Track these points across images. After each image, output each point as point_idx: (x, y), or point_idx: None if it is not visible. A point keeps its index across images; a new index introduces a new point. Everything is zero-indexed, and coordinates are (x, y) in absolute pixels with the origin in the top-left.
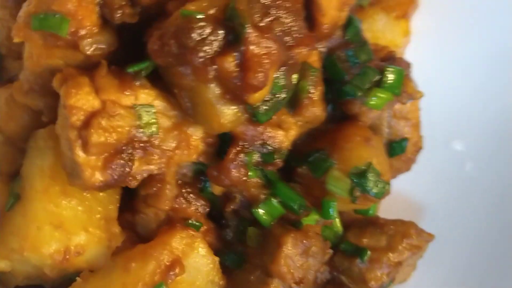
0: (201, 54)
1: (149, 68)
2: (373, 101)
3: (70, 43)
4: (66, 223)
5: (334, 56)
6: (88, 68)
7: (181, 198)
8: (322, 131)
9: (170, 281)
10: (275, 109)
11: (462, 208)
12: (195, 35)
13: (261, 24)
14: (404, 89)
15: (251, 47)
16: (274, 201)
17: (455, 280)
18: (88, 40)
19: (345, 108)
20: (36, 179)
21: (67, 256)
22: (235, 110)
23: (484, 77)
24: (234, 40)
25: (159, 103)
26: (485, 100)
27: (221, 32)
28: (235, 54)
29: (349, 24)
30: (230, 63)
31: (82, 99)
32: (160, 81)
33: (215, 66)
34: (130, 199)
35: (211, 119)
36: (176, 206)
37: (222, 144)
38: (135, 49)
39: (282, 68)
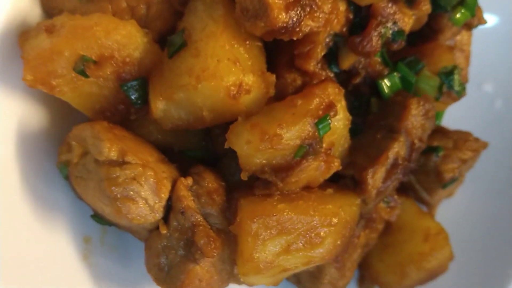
0: None
1: None
2: (457, 16)
3: None
4: (241, 62)
5: None
6: None
7: (320, 65)
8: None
9: (332, 116)
10: None
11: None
12: None
13: None
14: (476, 13)
15: None
16: (396, 75)
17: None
18: None
19: (434, 22)
20: (210, 25)
21: (239, 92)
22: None
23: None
24: None
25: None
26: None
27: None
28: None
29: None
30: None
31: None
32: None
33: None
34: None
35: None
36: (316, 70)
37: (354, 28)
38: None
39: None
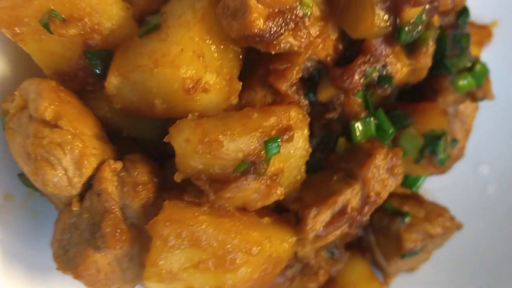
0: None
1: None
2: (461, 82)
3: None
4: (206, 57)
5: (446, 32)
6: None
7: (295, 88)
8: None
9: (284, 140)
10: (410, 37)
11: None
12: None
13: None
14: (483, 85)
15: None
16: (372, 122)
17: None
18: None
19: (434, 82)
20: (187, 14)
21: (195, 88)
22: (387, 19)
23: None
24: None
25: None
26: None
27: None
28: None
29: (463, 12)
30: None
31: None
32: None
33: None
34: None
35: (362, 18)
36: (289, 92)
37: (343, 59)
38: None
39: (428, 5)
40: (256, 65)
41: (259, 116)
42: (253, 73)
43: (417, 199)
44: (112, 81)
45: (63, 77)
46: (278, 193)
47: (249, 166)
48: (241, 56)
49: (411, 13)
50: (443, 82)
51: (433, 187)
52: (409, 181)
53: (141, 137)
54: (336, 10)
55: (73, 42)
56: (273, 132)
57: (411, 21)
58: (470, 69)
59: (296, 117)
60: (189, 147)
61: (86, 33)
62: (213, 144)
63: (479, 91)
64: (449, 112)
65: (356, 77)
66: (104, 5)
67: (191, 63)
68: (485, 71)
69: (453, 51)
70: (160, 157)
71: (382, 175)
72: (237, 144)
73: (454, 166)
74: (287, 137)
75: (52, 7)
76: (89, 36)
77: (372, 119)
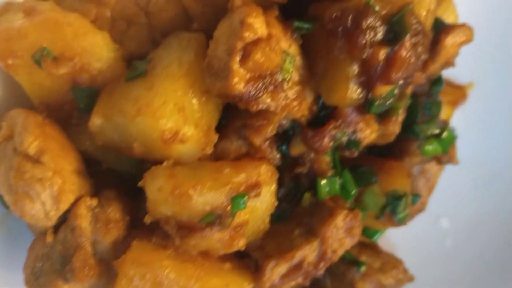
0: (366, 37)
1: (309, 29)
2: (428, 148)
3: None
4: (186, 111)
5: (418, 99)
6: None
7: (268, 142)
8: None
9: (251, 196)
10: (381, 109)
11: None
12: (368, 21)
13: (412, 41)
14: (449, 151)
15: (402, 51)
16: (337, 181)
17: None
18: None
19: (402, 144)
20: (173, 66)
21: (173, 139)
22: (360, 93)
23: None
24: (392, 38)
25: (298, 60)
26: None
27: (385, 27)
28: (388, 49)
29: (437, 81)
30: (382, 54)
31: (258, 23)
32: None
33: (370, 50)
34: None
35: (337, 89)
36: (263, 146)
37: (317, 119)
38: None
39: (401, 81)
40: (234, 115)
41: (230, 172)
42: (230, 123)
43: (375, 249)
44: (95, 121)
45: (49, 108)
46: (240, 244)
47: (215, 218)
48: (221, 107)
49: (383, 89)
50: (410, 145)
51: (393, 234)
52: (368, 232)
53: (119, 170)
54: (314, 76)
55: (62, 78)
56: (242, 188)
57: (383, 95)
58: (437, 136)
59: (265, 174)
60: (160, 196)
61: (75, 71)
62: (183, 196)
63: (444, 156)
64: (414, 171)
65: (326, 140)
66: (95, 47)
67: (171, 116)
68: (452, 139)
69: (423, 117)
70: (136, 190)
71: (340, 234)
72: (206, 198)
73: (415, 217)
74: (254, 193)
75: (45, 45)
76: (78, 75)
77: (337, 178)
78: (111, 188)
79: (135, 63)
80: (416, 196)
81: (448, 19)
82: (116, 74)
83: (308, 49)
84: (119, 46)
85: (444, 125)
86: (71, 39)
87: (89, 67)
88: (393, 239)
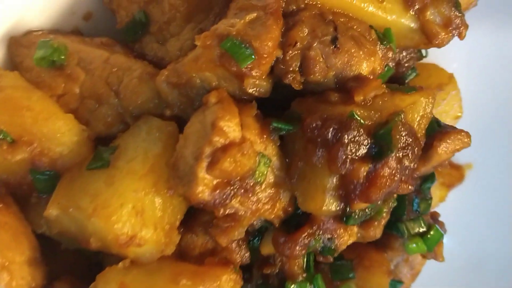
0: (347, 151)
1: (288, 131)
2: (412, 246)
3: (238, 73)
4: (145, 213)
5: (406, 197)
6: (236, 99)
7: (237, 242)
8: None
9: None
10: (360, 220)
11: None
12: (351, 135)
13: (399, 155)
14: (435, 249)
15: (386, 169)
16: (308, 286)
17: None
18: (253, 80)
19: (386, 238)
20: (138, 160)
21: (129, 244)
22: (337, 205)
23: None
24: (376, 154)
25: (275, 161)
26: None
27: (370, 142)
28: (370, 165)
29: (428, 178)
30: (363, 171)
31: (231, 127)
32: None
33: (351, 167)
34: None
35: (313, 198)
36: (229, 246)
37: (292, 217)
38: (275, 104)
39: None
40: (202, 210)
41: (188, 284)
42: (197, 218)
43: None
44: (52, 212)
45: (8, 186)
46: None
47: None
48: (184, 203)
49: (362, 206)
50: (394, 242)
51: None
52: None
53: (78, 251)
54: (291, 178)
55: (20, 161)
56: None
57: (362, 208)
58: (423, 234)
59: (226, 284)
60: None
61: (34, 156)
62: None
63: (430, 253)
64: (397, 259)
65: (298, 248)
66: (56, 132)
67: (128, 220)
68: (438, 238)
69: (410, 214)
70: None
71: None
72: None
73: None
74: None
75: (2, 127)
76: (38, 159)
77: (308, 284)
78: (65, 277)
79: (99, 150)
80: (399, 283)
81: (452, 111)
82: (80, 157)
83: (287, 147)
84: (85, 127)
85: (431, 224)
86: (30, 124)
87: (49, 152)
88: None
